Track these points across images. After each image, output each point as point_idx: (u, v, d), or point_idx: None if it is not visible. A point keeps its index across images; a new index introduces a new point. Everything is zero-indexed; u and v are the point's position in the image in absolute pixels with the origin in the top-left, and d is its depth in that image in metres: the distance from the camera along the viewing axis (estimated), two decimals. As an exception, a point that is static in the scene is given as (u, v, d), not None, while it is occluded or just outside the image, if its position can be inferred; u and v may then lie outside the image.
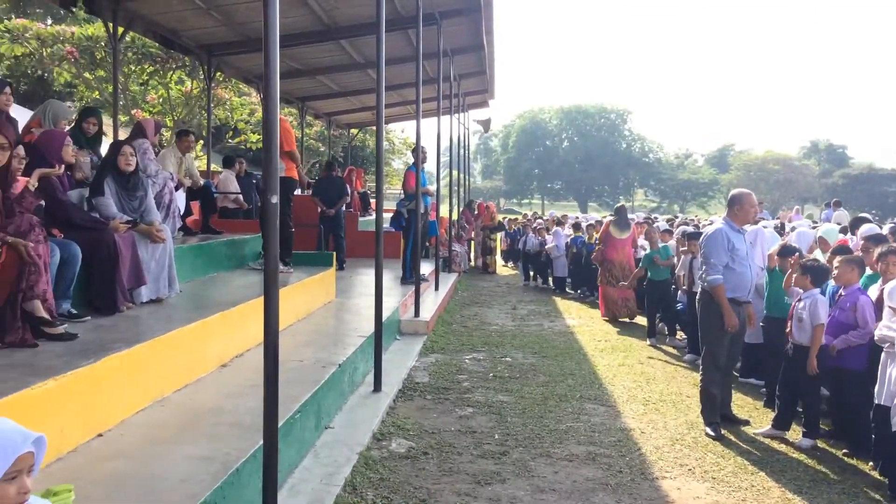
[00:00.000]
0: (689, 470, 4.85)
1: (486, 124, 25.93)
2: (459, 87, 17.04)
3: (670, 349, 9.03)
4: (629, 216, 12.23)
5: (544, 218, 19.89)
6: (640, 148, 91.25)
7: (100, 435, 3.67)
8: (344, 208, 12.11)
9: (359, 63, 13.98)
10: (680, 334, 9.38)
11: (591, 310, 12.05)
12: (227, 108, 18.92)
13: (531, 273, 16.07)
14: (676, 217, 21.55)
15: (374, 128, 6.51)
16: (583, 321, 10.98)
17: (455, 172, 19.57)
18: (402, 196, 11.30)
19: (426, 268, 11.91)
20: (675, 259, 9.35)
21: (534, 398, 6.38)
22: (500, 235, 19.69)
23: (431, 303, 10.18)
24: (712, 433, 5.55)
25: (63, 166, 4.87)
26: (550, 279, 15.19)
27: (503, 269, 19.66)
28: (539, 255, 15.45)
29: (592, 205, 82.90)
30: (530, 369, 7.51)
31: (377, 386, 6.06)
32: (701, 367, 5.86)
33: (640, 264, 9.93)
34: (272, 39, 3.22)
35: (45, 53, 15.72)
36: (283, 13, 10.23)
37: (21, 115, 8.98)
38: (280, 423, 3.88)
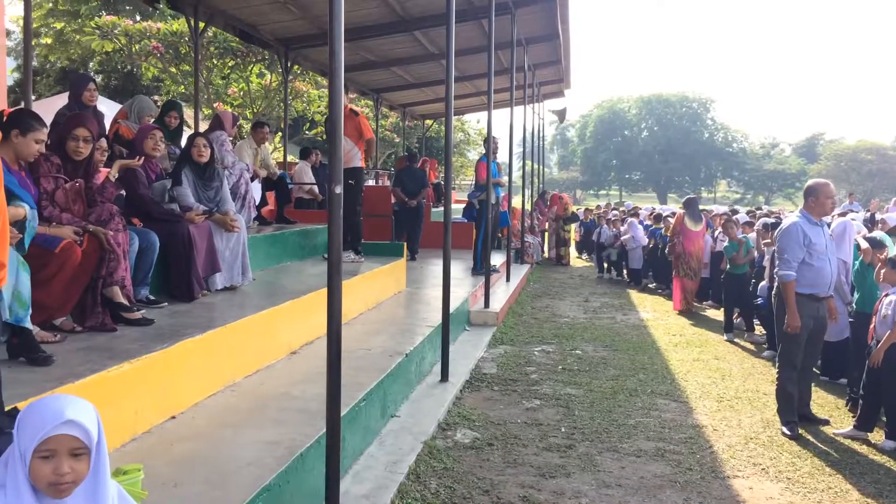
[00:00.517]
0: (763, 469, 4.69)
1: (561, 114, 25.61)
2: (534, 76, 16.88)
3: (748, 345, 8.74)
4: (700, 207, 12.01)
5: (619, 209, 19.55)
6: (724, 137, 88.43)
7: (173, 417, 3.80)
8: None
9: (433, 54, 14.01)
10: (759, 329, 9.07)
11: (667, 303, 11.78)
12: (304, 101, 19.27)
13: (605, 265, 15.83)
14: (759, 209, 20.81)
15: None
16: (657, 315, 10.75)
17: (530, 163, 19.42)
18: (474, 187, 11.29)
19: (497, 259, 11.87)
20: (756, 252, 9.04)
21: (603, 392, 6.29)
22: (574, 226, 19.45)
23: (502, 294, 10.15)
24: (788, 432, 5.35)
25: (142, 158, 5.05)
26: (625, 271, 14.93)
27: (577, 260, 19.44)
28: (613, 246, 15.19)
29: (672, 196, 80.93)
30: (600, 363, 7.40)
31: (444, 376, 6.09)
32: (777, 365, 5.65)
33: (725, 256, 9.63)
34: (337, 32, 3.25)
35: (133, 49, 16.34)
36: (357, 6, 10.50)
37: (111, 109, 9.39)
38: (345, 411, 3.96)
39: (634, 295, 12.90)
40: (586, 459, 4.71)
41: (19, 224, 3.14)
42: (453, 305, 7.18)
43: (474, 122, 35.03)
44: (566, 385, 6.47)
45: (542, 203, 19.31)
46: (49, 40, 21.50)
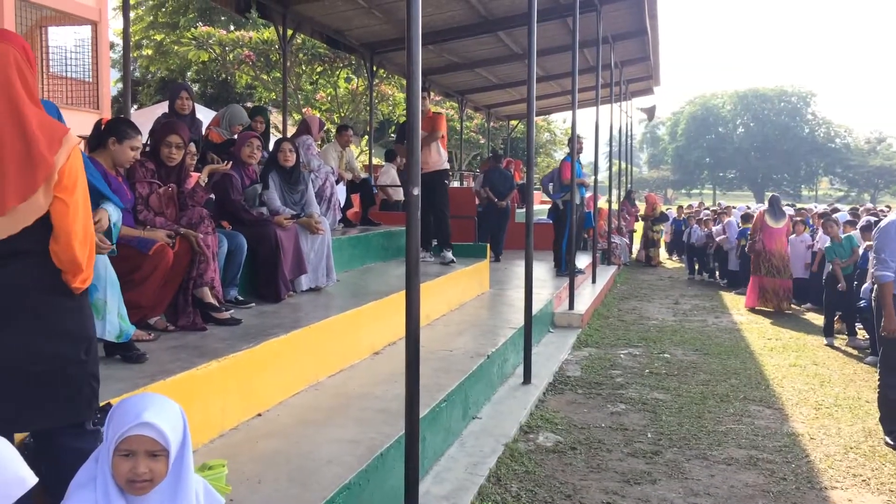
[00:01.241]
0: (864, 481, 4.43)
1: (650, 112, 25.06)
2: (621, 74, 16.57)
3: (850, 350, 8.30)
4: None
5: (711, 208, 18.94)
6: (826, 133, 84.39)
7: (258, 415, 3.91)
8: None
9: (517, 54, 13.94)
10: (862, 333, 8.60)
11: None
12: (389, 104, 19.54)
13: (696, 266, 15.36)
14: (864, 206, 19.74)
15: (535, 119, 6.45)
16: (751, 317, 10.35)
17: (617, 163, 19.08)
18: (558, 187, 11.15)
19: (583, 260, 11.70)
20: (860, 251, 8.58)
21: (692, 397, 6.09)
22: (664, 227, 18.97)
23: (587, 296, 9.99)
24: (892, 442, 5.04)
25: (230, 163, 5.22)
26: (717, 272, 14.44)
27: (667, 261, 18.95)
28: (705, 247, 14.73)
29: (770, 194, 77.86)
30: (690, 367, 7.18)
31: (527, 378, 6.03)
32: (878, 371, 5.34)
33: (826, 258, 9.18)
34: (415, 35, 3.27)
35: (227, 58, 16.95)
36: (440, 8, 10.56)
37: (206, 117, 9.76)
38: (425, 412, 3.98)
39: (728, 297, 12.46)
40: (673, 466, 4.57)
41: (106, 230, 3.29)
42: (537, 307, 7.10)
43: (560, 121, 34.74)
44: (653, 389, 6.30)
45: (630, 203, 18.92)
46: (150, 52, 22.59)
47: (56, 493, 2.32)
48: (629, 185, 21.61)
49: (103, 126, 3.98)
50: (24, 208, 2.17)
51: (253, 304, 5.06)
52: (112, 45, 18.55)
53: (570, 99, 8.68)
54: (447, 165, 8.18)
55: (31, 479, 1.51)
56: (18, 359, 2.22)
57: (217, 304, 4.45)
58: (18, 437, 2.45)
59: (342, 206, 8.05)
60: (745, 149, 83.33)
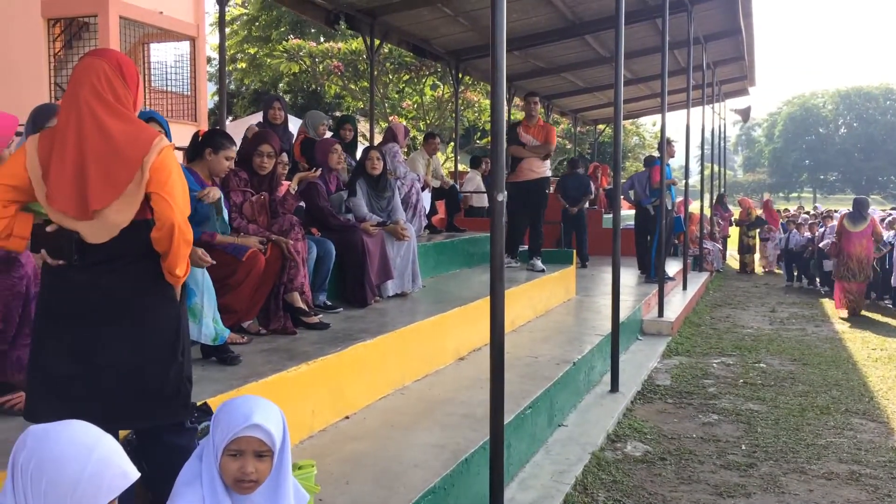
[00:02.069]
0: (981, 504, 4.15)
1: (745, 114, 24.23)
2: (714, 75, 16.09)
3: (965, 362, 7.79)
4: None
5: (810, 212, 18.15)
6: (936, 132, 79.60)
7: (346, 417, 3.98)
8: (587, 205, 12.02)
9: (605, 57, 13.74)
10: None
11: (867, 313, 10.77)
12: (475, 111, 19.62)
13: (795, 273, 14.73)
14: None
15: (623, 123, 6.38)
16: (854, 326, 9.85)
17: (710, 166, 18.54)
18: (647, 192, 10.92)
19: (673, 266, 11.42)
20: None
21: (789, 409, 5.84)
22: (758, 232, 18.28)
23: (678, 303, 9.73)
24: None
25: (319, 170, 5.36)
26: (817, 279, 13.81)
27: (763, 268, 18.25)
28: (803, 252, 14.11)
29: (875, 197, 73.81)
30: (787, 377, 6.89)
31: (614, 386, 5.93)
32: None
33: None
34: (500, 42, 3.28)
35: (317, 69, 17.41)
36: (526, 13, 10.53)
37: (296, 126, 10.05)
38: (510, 418, 3.97)
39: (829, 305, 11.89)
40: (769, 480, 4.39)
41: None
42: (624, 314, 6.98)
43: (650, 125, 34.01)
44: (748, 400, 6.08)
45: (722, 208, 18.33)
46: (244, 65, 23.43)
47: (155, 487, 2.43)
48: (722, 189, 20.94)
49: (200, 138, 4.16)
50: (113, 211, 2.29)
51: (341, 309, 5.17)
52: (209, 60, 19.33)
53: (660, 102, 8.50)
54: (549, 173, 8.14)
55: (133, 474, 1.59)
56: (121, 360, 2.34)
57: (306, 309, 4.57)
58: (121, 433, 2.58)
59: (428, 212, 8.12)
60: (847, 150, 79.46)
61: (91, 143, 2.27)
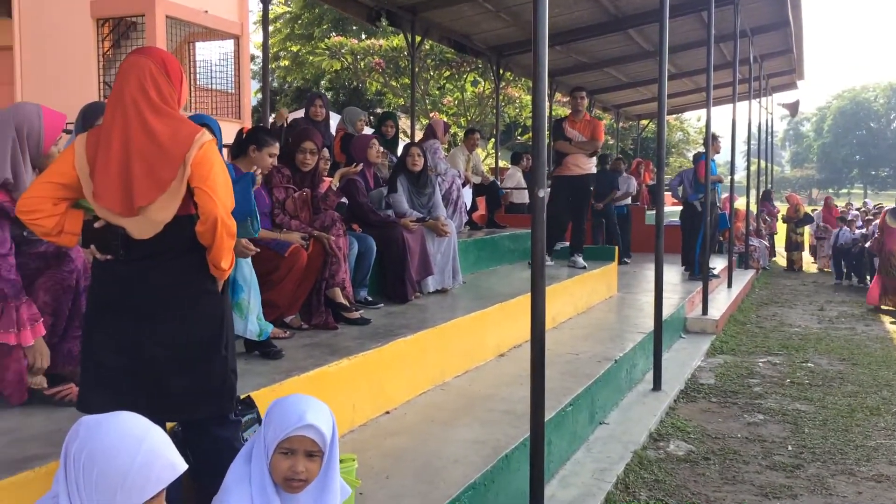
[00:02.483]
0: None
1: (793, 108, 23.66)
2: (761, 69, 15.77)
3: None
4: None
5: (860, 209, 17.68)
6: None
7: (387, 412, 4.00)
8: (629, 201, 11.90)
9: (648, 52, 13.58)
10: None
11: (919, 314, 10.47)
12: (516, 106, 19.53)
13: (844, 270, 14.37)
14: None
15: (667, 118, 6.29)
16: (907, 326, 9.58)
17: (756, 161, 18.19)
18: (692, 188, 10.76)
19: (718, 264, 11.23)
20: None
21: (838, 409, 5.71)
22: (807, 229, 17.88)
23: (722, 301, 9.57)
24: None
25: (360, 165, 5.39)
26: (868, 277, 13.45)
27: (811, 266, 17.85)
28: (852, 249, 13.76)
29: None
30: (836, 377, 6.72)
31: (657, 384, 5.85)
32: None
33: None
34: (541, 36, 3.25)
35: (359, 66, 17.51)
36: (568, 8, 10.45)
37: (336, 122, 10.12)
38: (551, 415, 3.94)
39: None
40: (816, 481, 4.30)
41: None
42: (667, 311, 6.89)
43: (694, 119, 33.50)
44: (794, 400, 5.96)
45: (769, 204, 17.96)
46: (287, 62, 23.68)
47: (201, 479, 2.47)
48: (768, 185, 20.52)
49: (244, 135, 4.21)
50: (157, 208, 2.32)
51: (381, 305, 5.20)
52: (252, 58, 19.58)
53: (705, 96, 8.36)
54: (595, 170, 8.07)
55: (181, 466, 1.61)
56: (166, 353, 2.38)
57: (348, 304, 4.60)
58: (168, 425, 2.63)
59: (468, 208, 8.11)
60: (899, 145, 77.26)
61: (135, 140, 2.31)
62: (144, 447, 1.55)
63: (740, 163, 23.35)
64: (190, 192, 2.35)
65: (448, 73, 17.24)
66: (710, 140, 9.12)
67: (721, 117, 42.84)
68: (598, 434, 4.80)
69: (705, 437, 5.02)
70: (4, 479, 2.23)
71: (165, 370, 2.38)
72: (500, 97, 15.13)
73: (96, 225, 2.37)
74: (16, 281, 2.80)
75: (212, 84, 15.39)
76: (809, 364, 7.23)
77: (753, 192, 15.66)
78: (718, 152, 10.27)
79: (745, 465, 4.53)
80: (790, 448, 4.84)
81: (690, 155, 32.13)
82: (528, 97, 19.76)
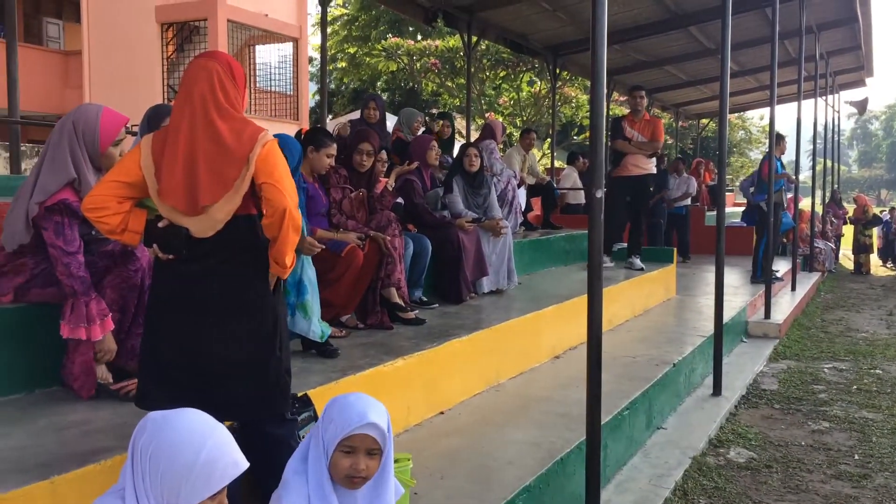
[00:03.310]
0: None
1: (861, 106, 22.87)
2: (827, 65, 15.30)
3: None
4: None
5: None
6: None
7: (441, 413, 4.00)
8: (689, 202, 11.68)
9: (709, 49, 13.30)
10: None
11: None
12: (572, 106, 19.36)
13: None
14: None
15: (728, 117, 6.15)
16: (983, 333, 9.16)
17: (823, 161, 17.65)
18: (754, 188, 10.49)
19: (782, 266, 10.93)
20: None
21: (908, 419, 5.49)
22: (876, 231, 17.26)
23: (786, 304, 9.31)
24: None
25: (415, 163, 5.41)
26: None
27: (880, 269, 17.24)
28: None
29: None
30: (906, 385, 6.47)
31: (716, 389, 5.72)
32: None
33: None
34: (600, 35, 3.21)
35: (415, 67, 17.60)
36: (627, 5, 10.32)
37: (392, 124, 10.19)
38: (607, 419, 3.89)
39: (953, 309, 11.11)
40: (884, 492, 4.14)
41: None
42: (728, 315, 6.73)
43: (757, 118, 32.69)
44: (862, 408, 5.75)
45: (836, 205, 17.41)
46: (344, 64, 23.94)
47: (259, 475, 2.51)
48: (835, 185, 19.90)
49: (303, 136, 4.26)
50: (219, 207, 2.37)
51: (436, 305, 5.20)
52: (310, 60, 19.85)
53: (769, 94, 8.14)
54: (655, 170, 7.94)
55: (243, 463, 1.64)
56: (222, 352, 2.42)
57: (403, 304, 4.62)
58: (226, 423, 2.68)
59: (524, 209, 8.07)
60: (976, 143, 74.00)
61: (201, 141, 2.37)
62: (209, 444, 1.58)
63: (805, 163, 22.67)
64: (251, 192, 2.39)
65: (504, 72, 17.20)
66: (774, 140, 8.88)
67: (785, 116, 41.89)
68: (656, 439, 4.72)
69: (767, 445, 4.89)
70: (73, 472, 2.30)
71: (221, 369, 2.42)
72: (557, 97, 15.00)
73: (160, 224, 2.43)
74: (85, 278, 2.90)
75: (271, 86, 15.67)
76: (877, 371, 6.98)
77: (819, 193, 15.20)
78: (784, 152, 9.99)
79: (808, 474, 4.40)
80: (857, 457, 4.68)
81: (752, 154, 31.40)
82: (585, 96, 19.57)
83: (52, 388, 3.11)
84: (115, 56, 13.65)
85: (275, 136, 2.69)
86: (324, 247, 3.63)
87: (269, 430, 2.55)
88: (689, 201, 11.79)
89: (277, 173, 2.39)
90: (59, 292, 2.95)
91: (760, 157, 10.69)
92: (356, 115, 7.27)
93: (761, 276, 9.05)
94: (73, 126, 2.99)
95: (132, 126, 3.44)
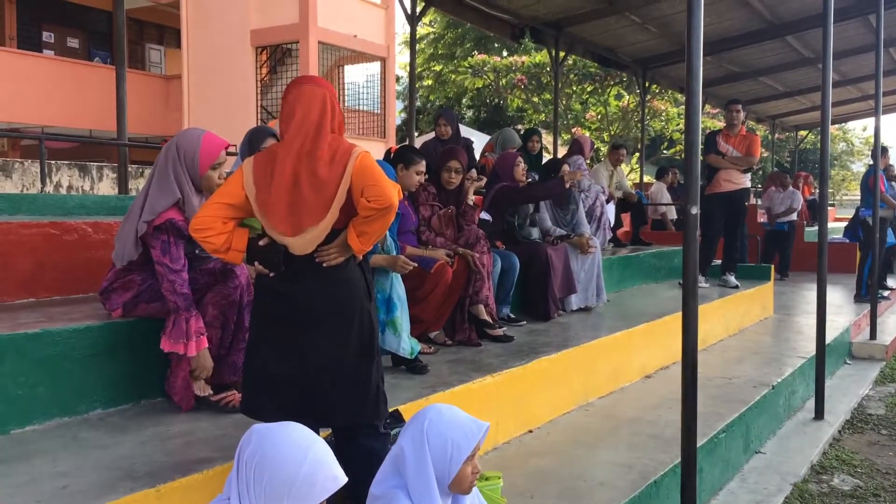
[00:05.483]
0: None
1: (974, 113, 21.54)
2: (937, 72, 14.51)
3: None
4: None
5: None
6: None
7: (530, 431, 3.97)
8: (795, 218, 11.24)
9: (807, 59, 12.86)
10: None
11: None
12: (661, 120, 18.99)
13: None
14: None
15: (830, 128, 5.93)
16: None
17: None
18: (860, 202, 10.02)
19: (891, 284, 10.37)
20: None
21: None
22: None
23: (893, 325, 8.81)
24: None
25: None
26: None
27: None
28: None
29: None
30: None
31: (818, 413, 5.46)
32: None
33: None
34: (695, 47, 3.13)
35: (501, 83, 17.65)
36: (721, 16, 10.09)
37: (480, 140, 10.24)
38: (703, 441, 3.77)
39: None
40: None
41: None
42: (831, 335, 6.42)
43: (859, 129, 31.26)
44: (980, 437, 5.38)
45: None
46: (430, 82, 24.26)
47: (351, 489, 2.54)
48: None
49: (392, 154, 4.34)
50: (320, 228, 2.45)
51: (524, 322, 5.17)
52: (397, 78, 20.20)
53: (873, 104, 7.77)
54: (749, 184, 7.69)
55: (342, 478, 1.68)
56: (327, 362, 2.51)
57: (491, 321, 4.62)
58: (322, 434, 2.74)
59: (612, 225, 7.94)
60: None
61: (305, 164, 2.45)
62: (310, 457, 1.63)
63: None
64: (348, 205, 2.45)
65: (591, 87, 17.04)
66: (879, 150, 8.46)
67: (891, 126, 40.22)
68: (754, 464, 4.54)
69: (874, 472, 4.63)
70: (178, 480, 2.39)
71: (325, 377, 2.50)
72: (646, 110, 14.76)
73: (261, 243, 2.52)
74: (188, 295, 3.02)
75: (358, 105, 16.00)
76: None
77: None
78: (888, 165, 9.51)
79: (922, 507, 4.14)
80: (977, 490, 4.37)
81: (854, 167, 30.01)
82: (675, 110, 19.16)
83: (156, 399, 3.25)
84: (213, 79, 14.24)
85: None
86: (415, 265, 3.68)
87: (363, 441, 2.60)
88: (794, 216, 11.31)
89: (377, 175, 2.45)
90: (163, 307, 3.09)
91: (864, 169, 10.18)
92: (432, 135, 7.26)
93: (866, 294, 8.60)
94: (176, 150, 3.14)
95: (230, 146, 3.58)
